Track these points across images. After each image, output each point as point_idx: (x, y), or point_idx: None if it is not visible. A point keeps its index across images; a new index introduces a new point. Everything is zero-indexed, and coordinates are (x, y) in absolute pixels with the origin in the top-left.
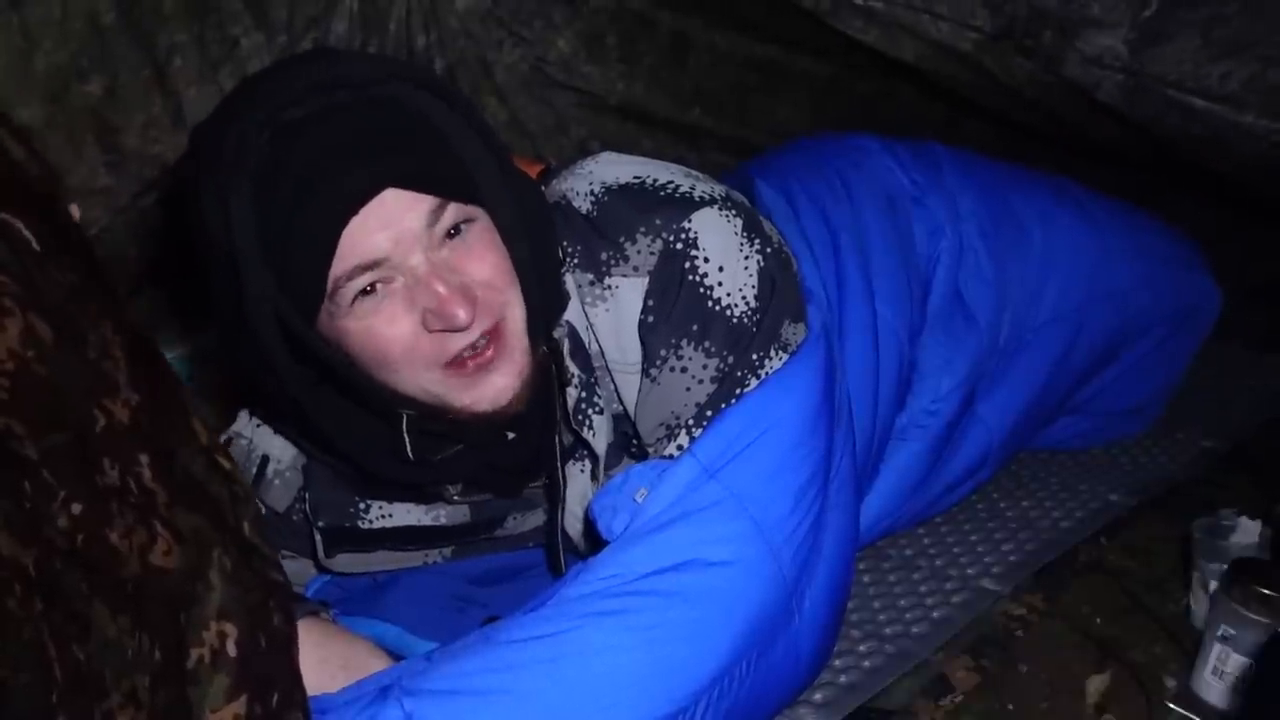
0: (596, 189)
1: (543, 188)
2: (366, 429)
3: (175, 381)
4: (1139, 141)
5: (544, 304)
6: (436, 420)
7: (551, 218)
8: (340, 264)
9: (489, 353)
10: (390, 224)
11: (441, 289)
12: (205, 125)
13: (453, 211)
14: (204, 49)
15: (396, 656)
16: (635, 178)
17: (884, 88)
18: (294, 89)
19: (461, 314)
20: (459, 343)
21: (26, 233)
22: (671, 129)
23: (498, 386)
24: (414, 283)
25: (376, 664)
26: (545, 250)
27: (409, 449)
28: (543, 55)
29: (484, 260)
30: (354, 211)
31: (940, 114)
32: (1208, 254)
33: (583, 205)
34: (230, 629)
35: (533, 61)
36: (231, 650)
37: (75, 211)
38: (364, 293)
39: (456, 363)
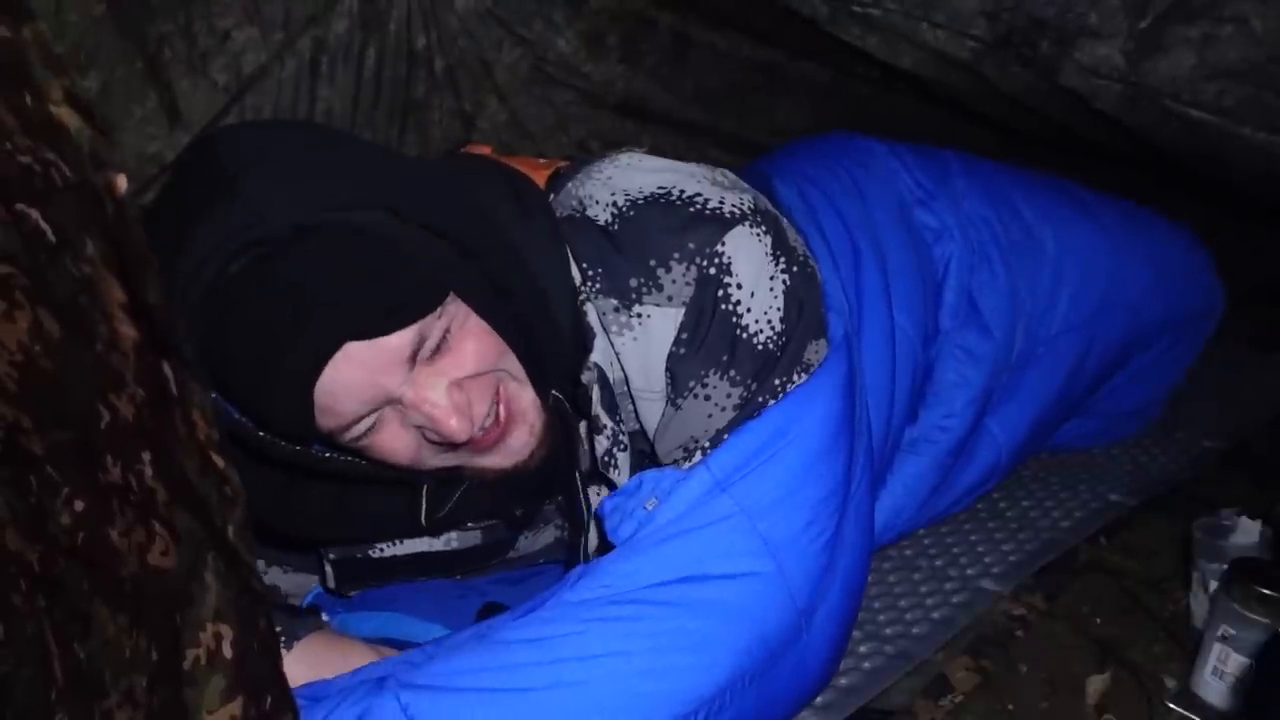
0: (620, 200)
1: (552, 195)
2: (371, 506)
3: (183, 369)
4: (1138, 147)
5: (543, 349)
6: (459, 476)
7: (560, 247)
8: (325, 421)
9: (499, 427)
10: (360, 380)
11: (434, 412)
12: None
13: (435, 331)
14: (192, 41)
15: (400, 646)
16: (660, 188)
17: (884, 91)
18: (215, 253)
19: (459, 430)
20: (464, 437)
21: (43, 224)
22: (671, 126)
23: (514, 449)
24: (404, 408)
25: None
26: (536, 288)
27: (424, 515)
28: (543, 55)
29: (465, 353)
30: (314, 379)
31: (940, 117)
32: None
33: (601, 215)
34: (226, 630)
35: (533, 61)
36: (227, 651)
37: (121, 183)
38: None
39: (468, 444)
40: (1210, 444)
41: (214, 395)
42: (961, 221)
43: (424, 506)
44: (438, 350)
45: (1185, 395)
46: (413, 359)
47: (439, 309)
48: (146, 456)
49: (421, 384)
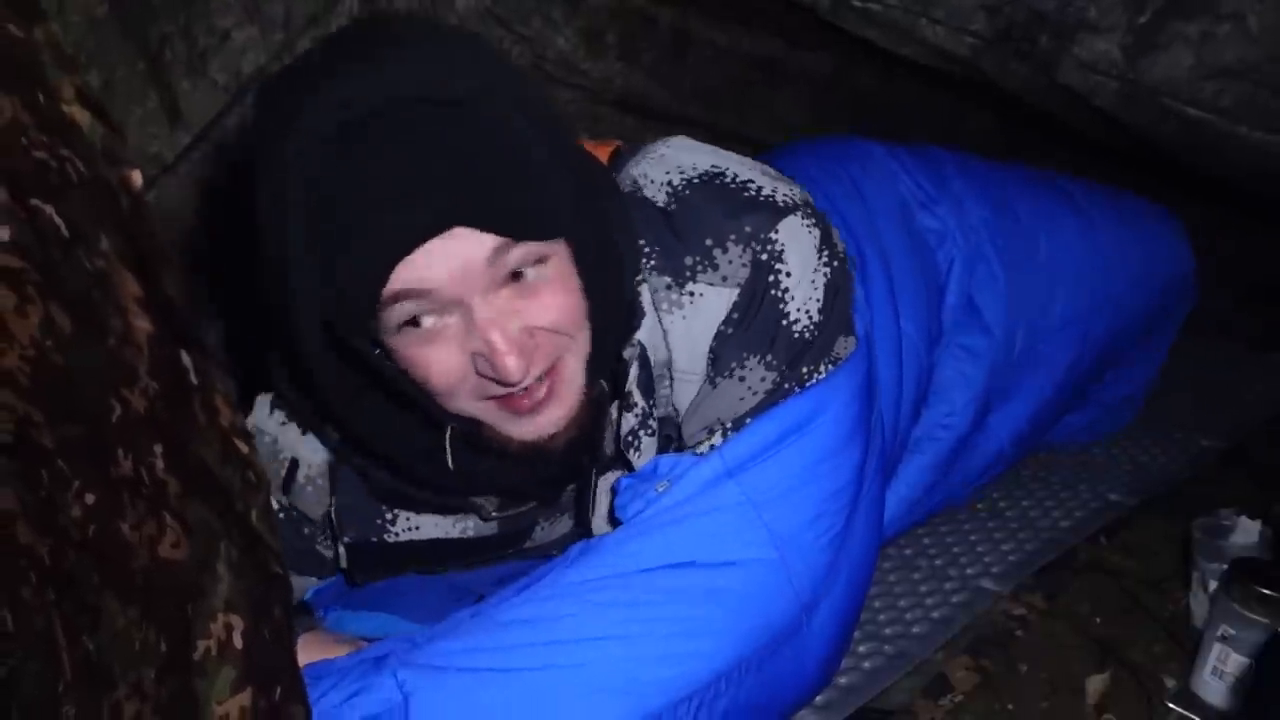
0: (675, 179)
1: (614, 174)
2: (408, 434)
3: (203, 358)
4: (1136, 144)
5: (613, 343)
6: (480, 437)
7: (633, 228)
8: (390, 285)
9: (540, 393)
10: (449, 260)
11: (498, 340)
12: (271, 103)
13: (520, 252)
14: (193, 42)
15: None
16: (715, 167)
17: (885, 83)
18: (365, 96)
19: (515, 369)
20: (508, 387)
21: (57, 219)
22: (670, 123)
23: (543, 424)
24: (469, 324)
25: None
26: (623, 277)
27: (450, 459)
28: (541, 53)
29: (551, 305)
30: (416, 245)
31: (942, 108)
32: (1206, 253)
33: (658, 196)
34: (236, 621)
35: (531, 59)
36: (238, 642)
37: (137, 178)
38: (409, 323)
39: (505, 399)
40: (1209, 444)
41: (301, 234)
42: (962, 224)
43: (449, 451)
44: (524, 289)
45: (1185, 395)
46: (499, 282)
47: (548, 244)
48: (158, 449)
49: (497, 307)
